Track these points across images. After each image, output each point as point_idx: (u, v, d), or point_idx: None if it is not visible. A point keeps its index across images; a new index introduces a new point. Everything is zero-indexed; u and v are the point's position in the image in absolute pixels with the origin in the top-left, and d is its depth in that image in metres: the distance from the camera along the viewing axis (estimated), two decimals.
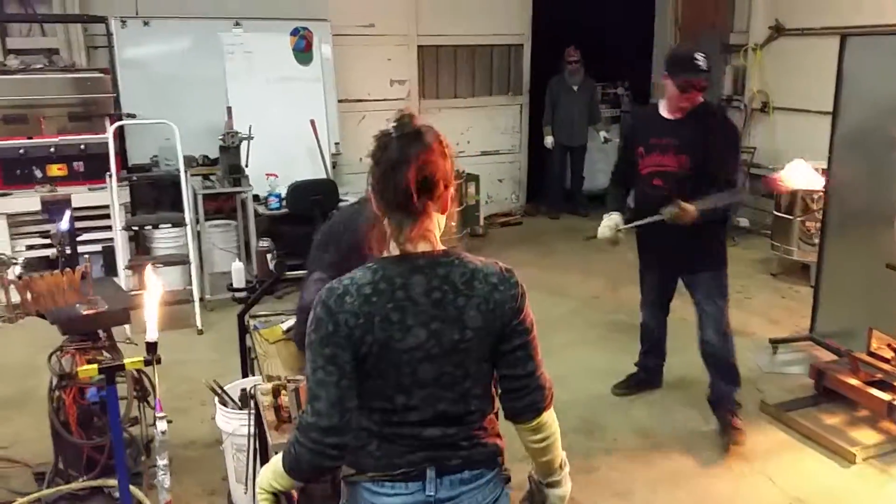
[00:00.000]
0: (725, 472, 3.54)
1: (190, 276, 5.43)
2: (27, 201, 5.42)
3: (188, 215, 5.37)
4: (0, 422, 3.97)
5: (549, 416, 1.75)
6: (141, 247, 6.18)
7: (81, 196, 5.60)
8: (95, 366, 2.36)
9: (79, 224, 5.62)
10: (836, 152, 4.44)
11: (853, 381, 3.91)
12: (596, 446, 3.77)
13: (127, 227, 5.39)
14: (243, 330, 3.62)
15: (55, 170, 5.63)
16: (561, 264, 6.85)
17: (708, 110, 3.63)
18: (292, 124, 6.34)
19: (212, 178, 5.94)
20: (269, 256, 3.77)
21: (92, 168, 5.70)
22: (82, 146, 5.63)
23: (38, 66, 5.72)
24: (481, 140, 8.55)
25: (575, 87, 8.33)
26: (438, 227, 1.67)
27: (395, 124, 1.63)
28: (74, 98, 5.72)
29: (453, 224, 6.55)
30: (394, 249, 1.65)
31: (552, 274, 6.54)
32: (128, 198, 5.83)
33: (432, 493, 1.65)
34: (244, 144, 5.77)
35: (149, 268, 2.59)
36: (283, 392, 2.54)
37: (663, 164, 3.59)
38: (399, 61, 7.93)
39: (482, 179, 8.51)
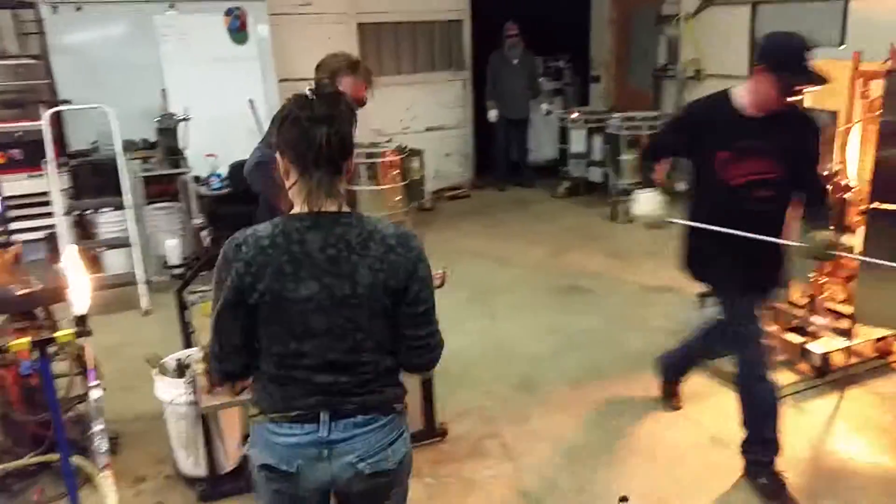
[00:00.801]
0: (651, 415, 3.74)
1: (133, 259, 5.44)
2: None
3: (127, 198, 5.37)
4: None
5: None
6: (86, 232, 6.16)
7: (20, 183, 5.56)
8: (28, 339, 2.42)
9: (20, 211, 5.60)
10: None
11: (770, 329, 4.14)
12: (532, 400, 3.95)
13: (68, 213, 5.37)
14: (182, 306, 3.70)
15: None
16: (507, 234, 7.02)
17: (793, 108, 3.04)
18: (231, 104, 6.36)
19: (151, 160, 5.93)
20: (203, 233, 3.84)
21: (30, 155, 5.63)
22: (18, 133, 5.56)
23: None
24: (426, 115, 8.63)
25: (515, 61, 8.45)
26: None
27: (312, 87, 1.77)
28: (7, 85, 5.65)
29: (398, 199, 6.65)
30: (301, 207, 1.75)
31: (498, 243, 6.71)
32: (68, 184, 5.78)
33: (325, 435, 1.78)
34: (181, 126, 5.77)
35: (71, 247, 2.64)
36: None
37: (763, 171, 2.92)
38: (339, 39, 7.92)
39: (429, 154, 8.60)
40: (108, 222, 5.97)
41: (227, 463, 3.24)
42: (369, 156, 6.56)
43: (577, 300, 5.34)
